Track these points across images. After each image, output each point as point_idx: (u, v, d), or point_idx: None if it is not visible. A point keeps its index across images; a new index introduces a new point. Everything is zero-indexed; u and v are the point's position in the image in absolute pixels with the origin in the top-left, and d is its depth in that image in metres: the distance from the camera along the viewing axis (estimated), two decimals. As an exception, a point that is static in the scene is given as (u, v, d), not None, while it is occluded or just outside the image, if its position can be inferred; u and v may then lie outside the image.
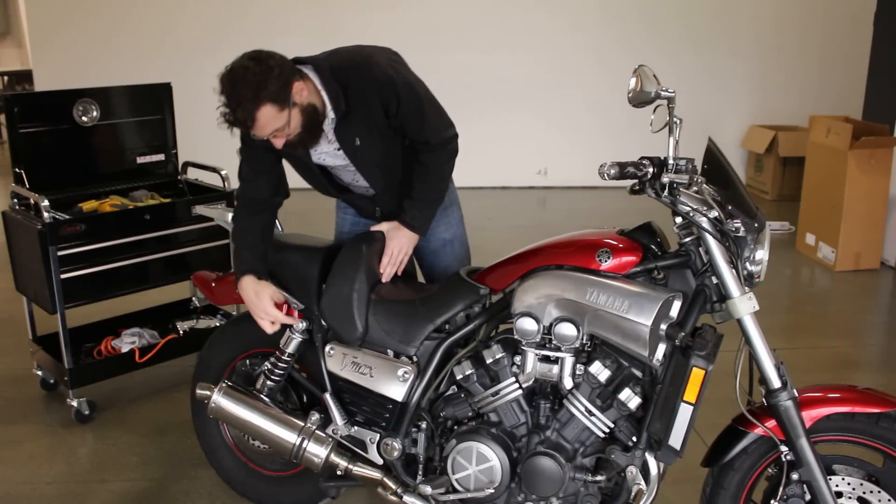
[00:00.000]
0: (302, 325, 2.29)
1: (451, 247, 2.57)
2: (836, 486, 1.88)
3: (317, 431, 2.28)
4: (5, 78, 10.33)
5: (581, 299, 1.86)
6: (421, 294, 2.23)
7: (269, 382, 2.38)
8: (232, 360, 2.53)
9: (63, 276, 2.99)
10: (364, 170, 2.33)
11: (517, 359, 2.02)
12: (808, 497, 1.84)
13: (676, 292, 1.86)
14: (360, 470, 2.26)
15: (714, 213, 1.79)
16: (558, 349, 1.93)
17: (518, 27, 6.90)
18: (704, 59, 7.02)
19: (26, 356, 3.54)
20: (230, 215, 2.49)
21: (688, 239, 1.88)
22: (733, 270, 1.81)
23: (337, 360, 2.25)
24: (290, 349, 2.33)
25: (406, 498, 2.16)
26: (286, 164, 2.38)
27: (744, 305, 1.79)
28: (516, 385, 2.02)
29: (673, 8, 6.94)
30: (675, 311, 1.85)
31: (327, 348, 2.26)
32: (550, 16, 6.89)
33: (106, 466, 2.89)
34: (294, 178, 2.42)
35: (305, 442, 2.26)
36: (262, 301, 2.23)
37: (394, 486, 2.19)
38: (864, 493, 1.88)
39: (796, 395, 1.81)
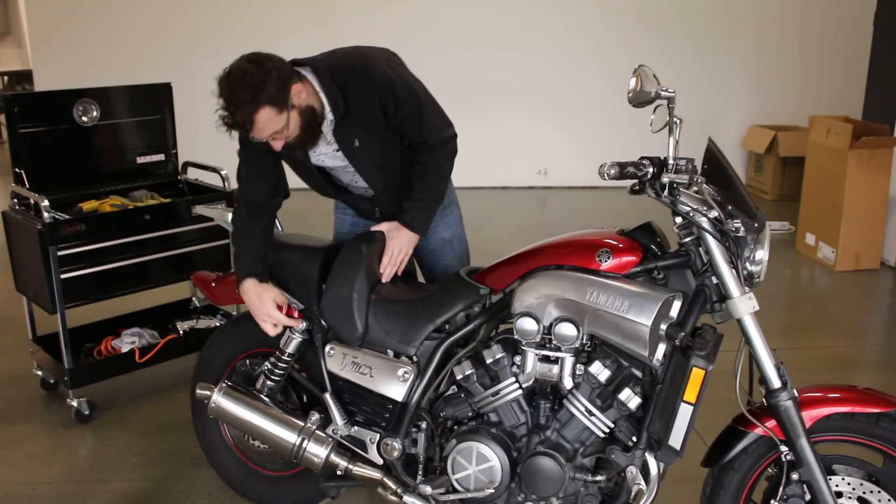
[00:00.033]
0: (302, 326, 2.29)
1: (451, 246, 2.58)
2: (836, 486, 1.88)
3: (317, 431, 2.28)
4: (5, 78, 10.33)
5: (581, 299, 1.86)
6: (421, 294, 2.23)
7: (269, 382, 2.38)
8: (232, 360, 2.53)
9: (63, 276, 2.99)
10: (363, 171, 2.33)
11: (517, 359, 2.02)
12: (808, 497, 1.84)
13: (676, 292, 1.86)
14: (360, 470, 2.26)
15: (714, 213, 1.79)
16: (558, 349, 1.93)
17: (518, 27, 6.90)
18: (704, 59, 7.02)
19: (26, 356, 3.54)
20: (230, 215, 2.50)
21: (688, 239, 1.88)
22: (733, 270, 1.81)
23: (337, 360, 2.25)
24: (290, 349, 2.33)
25: (406, 498, 2.16)
26: (286, 165, 2.38)
27: (744, 305, 1.80)
28: (516, 385, 2.02)
29: (673, 8, 6.94)
30: (675, 311, 1.85)
31: (327, 348, 2.27)
32: (550, 16, 6.90)
33: (106, 466, 2.89)
34: (294, 179, 2.42)
35: (305, 442, 2.26)
36: (265, 304, 2.23)
37: (394, 486, 2.19)
38: (864, 493, 1.88)
39: (796, 395, 1.81)
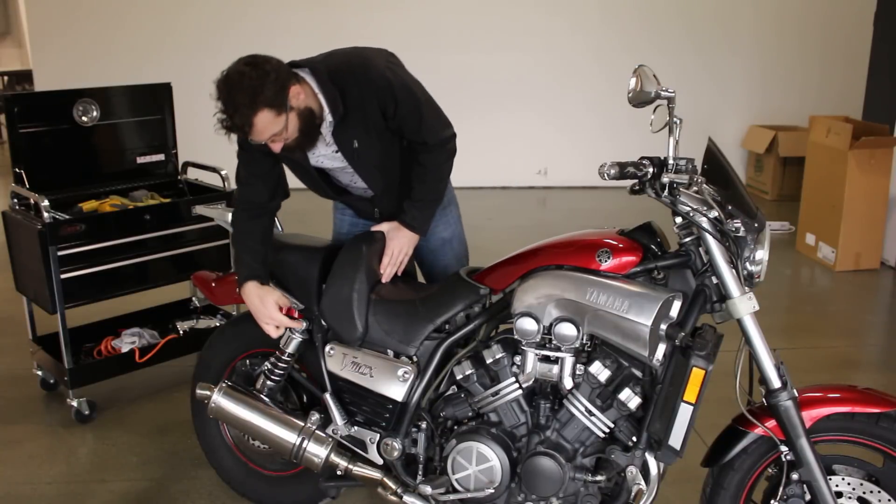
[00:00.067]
0: (302, 326, 2.29)
1: (451, 245, 2.58)
2: (836, 486, 1.88)
3: (317, 431, 2.28)
4: (5, 78, 10.34)
5: (581, 299, 1.86)
6: (421, 294, 2.23)
7: (269, 382, 2.38)
8: (232, 360, 2.53)
9: (63, 276, 2.99)
10: (362, 172, 2.33)
11: (517, 359, 2.02)
12: (808, 497, 1.84)
13: (676, 292, 1.86)
14: (360, 470, 2.26)
15: (714, 213, 1.79)
16: (558, 349, 1.93)
17: (518, 27, 6.90)
18: (704, 59, 7.02)
19: (26, 356, 3.54)
20: (230, 215, 2.50)
21: (688, 239, 1.88)
22: (733, 270, 1.81)
23: (337, 360, 2.25)
24: (290, 349, 2.33)
25: (406, 498, 2.17)
26: (285, 167, 2.38)
27: (744, 305, 1.80)
28: (516, 385, 2.02)
29: (673, 8, 6.94)
30: (675, 311, 1.85)
31: (327, 348, 2.27)
32: (550, 16, 6.89)
33: (106, 466, 2.89)
34: (294, 179, 2.42)
35: (305, 442, 2.26)
36: (268, 307, 2.23)
37: (394, 486, 2.19)
38: (864, 493, 1.88)
39: (796, 395, 1.81)
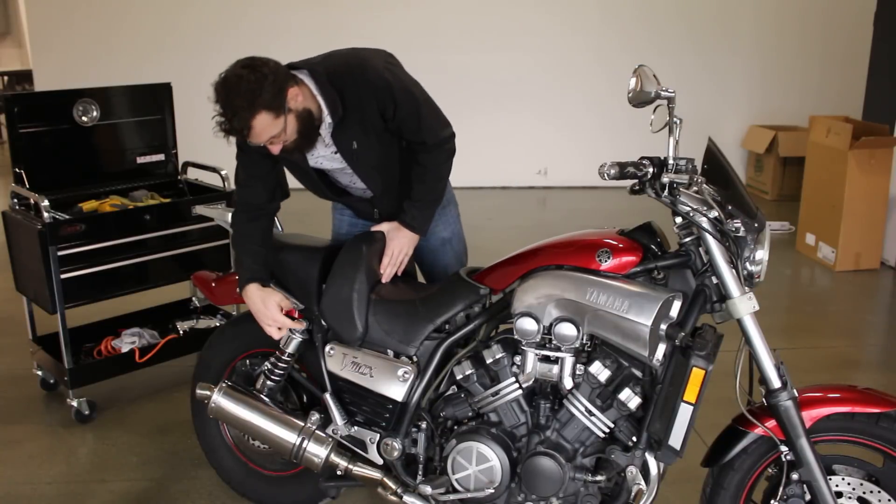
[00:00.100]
0: (303, 326, 2.29)
1: (451, 245, 2.58)
2: (836, 486, 1.88)
3: (317, 431, 2.28)
4: (5, 78, 10.34)
5: (581, 299, 1.86)
6: (421, 294, 2.23)
7: (269, 382, 2.38)
8: (232, 360, 2.53)
9: (63, 276, 2.99)
10: (361, 173, 2.33)
11: (517, 359, 2.02)
12: (808, 497, 1.84)
13: (676, 292, 1.86)
14: (360, 470, 2.26)
15: (714, 213, 1.79)
16: (558, 349, 1.92)
17: (518, 27, 6.90)
18: (704, 59, 7.02)
19: (26, 356, 3.54)
20: (230, 215, 2.50)
21: (688, 239, 1.88)
22: (733, 270, 1.81)
23: (337, 360, 2.25)
24: (290, 349, 2.33)
25: (406, 498, 2.16)
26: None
27: (744, 305, 1.80)
28: (516, 385, 2.02)
29: (673, 8, 6.94)
30: (675, 311, 1.85)
31: (327, 348, 2.27)
32: (550, 16, 6.89)
33: (106, 466, 2.89)
34: (293, 179, 2.42)
35: (305, 442, 2.26)
36: (270, 309, 2.24)
37: (394, 486, 2.19)
38: (864, 493, 1.88)
39: (796, 395, 1.81)
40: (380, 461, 2.23)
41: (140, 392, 3.43)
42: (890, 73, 5.63)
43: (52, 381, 3.42)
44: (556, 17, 6.90)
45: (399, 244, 2.32)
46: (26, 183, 3.16)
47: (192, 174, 3.65)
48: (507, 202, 6.81)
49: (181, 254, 3.31)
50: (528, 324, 1.91)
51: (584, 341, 1.92)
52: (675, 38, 6.92)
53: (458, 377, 2.07)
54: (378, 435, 2.22)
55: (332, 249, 2.32)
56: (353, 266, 2.22)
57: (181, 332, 3.50)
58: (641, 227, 1.99)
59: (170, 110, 3.60)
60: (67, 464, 2.90)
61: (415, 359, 2.16)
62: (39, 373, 3.42)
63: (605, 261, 1.91)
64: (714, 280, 1.84)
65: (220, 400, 2.35)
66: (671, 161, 1.83)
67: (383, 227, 2.35)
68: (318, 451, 2.25)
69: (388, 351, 2.19)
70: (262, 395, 2.37)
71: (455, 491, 2.09)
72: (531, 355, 1.95)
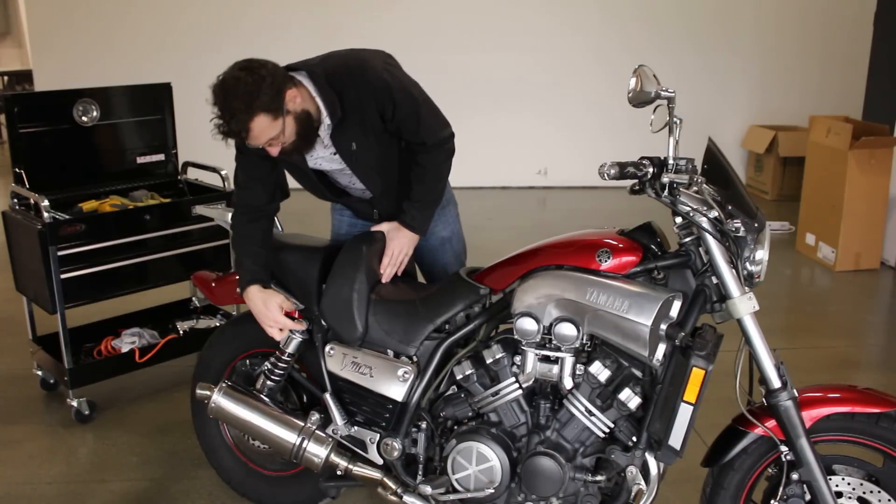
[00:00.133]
0: (304, 327, 2.29)
1: (450, 244, 2.58)
2: (836, 486, 1.88)
3: (317, 431, 2.28)
4: (5, 78, 10.34)
5: (581, 299, 1.86)
6: (421, 294, 2.23)
7: (269, 382, 2.38)
8: (232, 360, 2.53)
9: (63, 276, 2.99)
10: (361, 173, 2.33)
11: (517, 359, 2.02)
12: (808, 497, 1.84)
13: (676, 292, 1.86)
14: (360, 470, 2.26)
15: (714, 213, 1.79)
16: (558, 349, 1.92)
17: (518, 27, 6.90)
18: (704, 59, 7.02)
19: (26, 356, 3.54)
20: (230, 215, 2.50)
21: (688, 239, 1.88)
22: (733, 270, 1.81)
23: (337, 360, 2.25)
24: (290, 349, 2.33)
25: (406, 498, 2.16)
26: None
27: (744, 305, 1.80)
28: (516, 385, 2.02)
29: (673, 8, 6.94)
30: (675, 311, 1.85)
31: (327, 348, 2.27)
32: (550, 16, 6.89)
33: (106, 466, 2.89)
34: (293, 179, 2.42)
35: (305, 442, 2.26)
36: (271, 311, 2.24)
37: (394, 486, 2.19)
38: (864, 493, 1.88)
39: (796, 395, 1.81)
40: (380, 461, 2.23)
41: (140, 392, 3.43)
42: (890, 73, 5.63)
43: (52, 381, 3.42)
44: (556, 17, 6.90)
45: (399, 244, 2.32)
46: (26, 183, 3.16)
47: (192, 174, 3.65)
48: (507, 202, 6.81)
49: (181, 254, 3.31)
50: (528, 324, 1.91)
51: (584, 341, 1.92)
52: (675, 38, 6.92)
53: (458, 377, 2.07)
54: (378, 435, 2.22)
55: (331, 249, 2.32)
56: (353, 266, 2.22)
57: (181, 332, 3.50)
58: (641, 227, 1.99)
59: (170, 110, 3.60)
60: (67, 464, 2.90)
61: (415, 359, 2.16)
62: (39, 373, 3.42)
63: (605, 261, 1.91)
64: (714, 280, 1.84)
65: (220, 400, 2.35)
66: (671, 161, 1.83)
67: (383, 227, 2.35)
68: (318, 451, 2.25)
69: (388, 351, 2.19)
70: (262, 395, 2.37)
71: (455, 491, 2.09)
72: (531, 355, 1.95)
